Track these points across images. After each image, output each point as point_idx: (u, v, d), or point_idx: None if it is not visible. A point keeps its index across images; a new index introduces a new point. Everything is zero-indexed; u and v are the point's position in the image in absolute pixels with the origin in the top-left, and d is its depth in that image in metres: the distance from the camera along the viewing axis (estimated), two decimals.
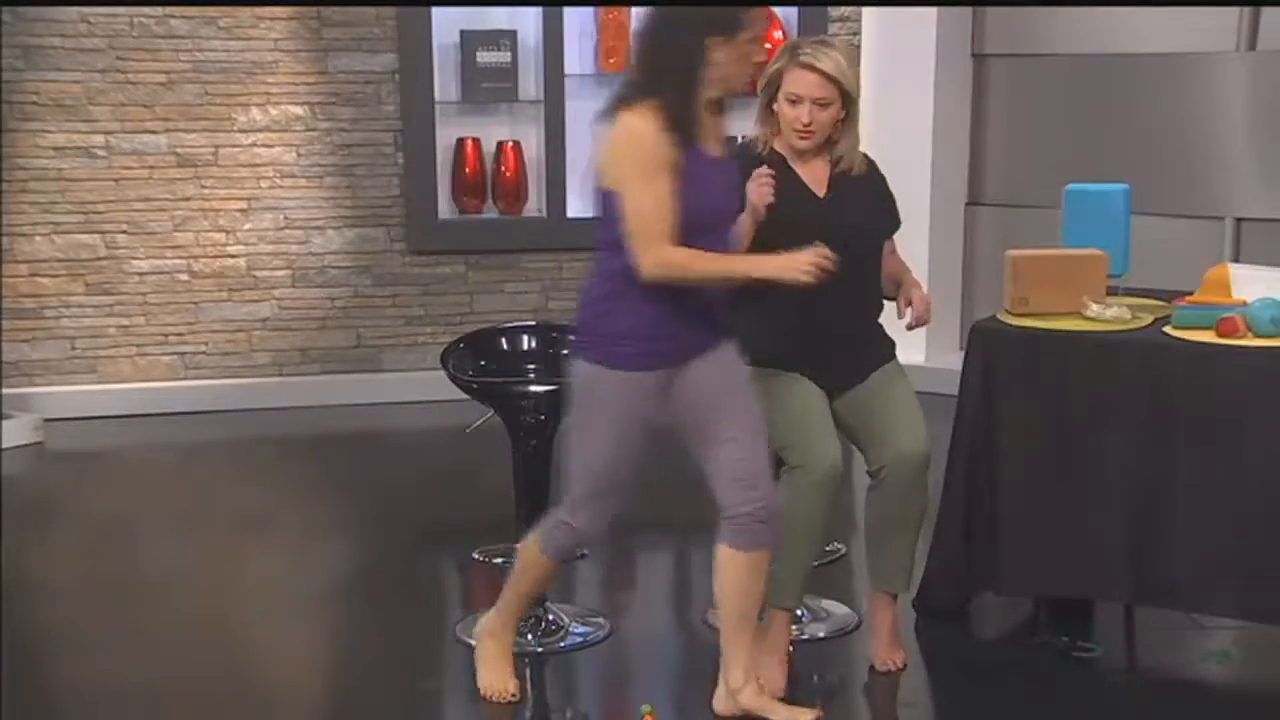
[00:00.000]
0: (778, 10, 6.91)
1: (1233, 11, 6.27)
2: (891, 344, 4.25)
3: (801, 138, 3.96)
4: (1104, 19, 6.64)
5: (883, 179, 4.18)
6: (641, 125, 3.41)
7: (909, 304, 4.06)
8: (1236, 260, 6.03)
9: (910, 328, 4.05)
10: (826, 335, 4.01)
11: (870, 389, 4.10)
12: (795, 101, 3.93)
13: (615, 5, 6.80)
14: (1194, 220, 6.46)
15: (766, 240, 3.78)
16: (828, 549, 5.11)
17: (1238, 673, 4.06)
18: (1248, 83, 6.35)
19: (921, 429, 4.06)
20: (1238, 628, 4.20)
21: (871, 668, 4.13)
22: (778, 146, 4.04)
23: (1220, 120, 6.46)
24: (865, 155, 4.11)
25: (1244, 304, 4.14)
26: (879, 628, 4.18)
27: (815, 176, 4.03)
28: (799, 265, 3.54)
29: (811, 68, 3.89)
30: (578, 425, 3.67)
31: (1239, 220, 6.40)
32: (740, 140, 4.23)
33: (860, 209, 4.06)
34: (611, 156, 3.48)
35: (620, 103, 3.47)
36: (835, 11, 7.06)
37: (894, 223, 4.21)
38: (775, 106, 3.99)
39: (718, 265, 3.59)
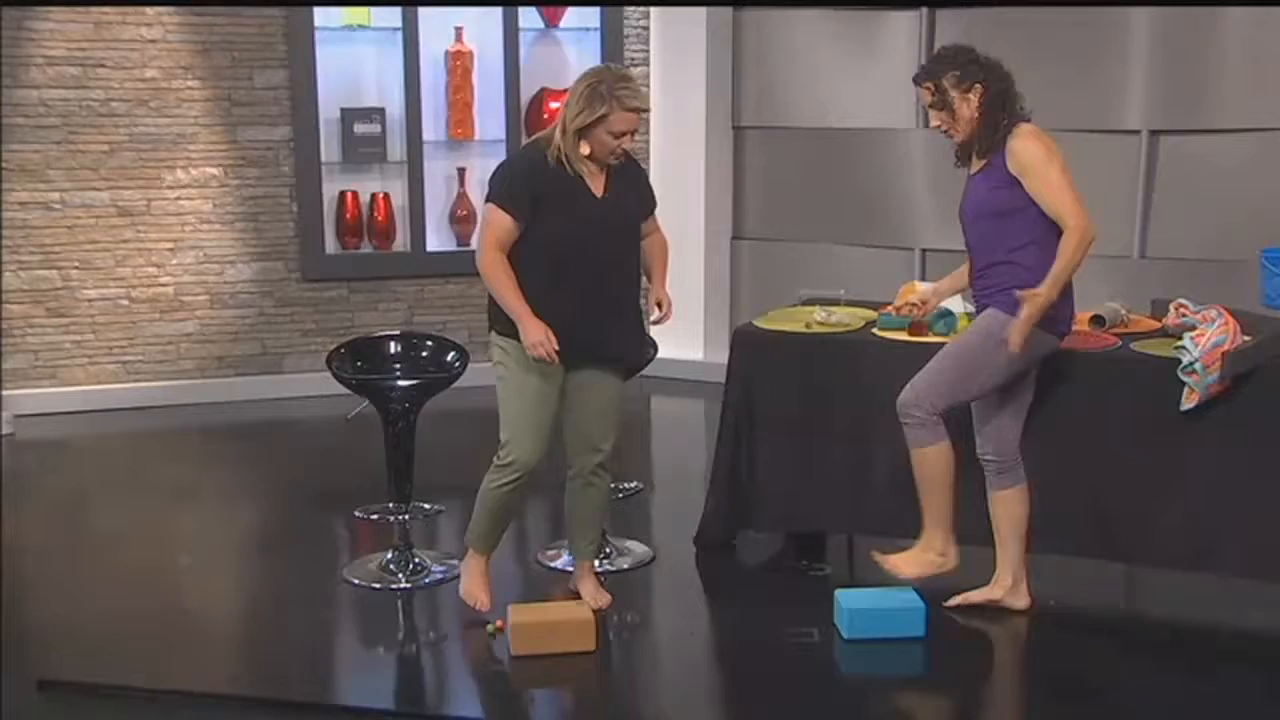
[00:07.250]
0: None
1: (909, 97, 6.18)
2: (645, 351, 4.08)
3: (615, 158, 3.66)
4: (825, 101, 6.67)
5: (637, 164, 3.84)
6: None
7: (658, 304, 3.90)
8: (922, 279, 6.13)
9: (655, 323, 3.94)
10: (594, 310, 3.74)
11: (592, 397, 3.85)
12: (618, 136, 3.61)
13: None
14: (892, 250, 6.56)
15: (561, 235, 3.64)
16: (626, 485, 5.09)
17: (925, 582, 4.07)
18: (924, 150, 6.34)
19: (610, 441, 3.89)
20: None
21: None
22: (568, 154, 3.64)
23: (907, 177, 6.48)
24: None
25: None
26: (585, 581, 4.07)
27: (596, 180, 3.69)
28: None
29: (637, 110, 3.59)
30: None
31: (924, 250, 6.50)
32: (533, 140, 3.79)
33: (626, 203, 3.76)
34: None
35: None
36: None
37: (650, 203, 3.88)
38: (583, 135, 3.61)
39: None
